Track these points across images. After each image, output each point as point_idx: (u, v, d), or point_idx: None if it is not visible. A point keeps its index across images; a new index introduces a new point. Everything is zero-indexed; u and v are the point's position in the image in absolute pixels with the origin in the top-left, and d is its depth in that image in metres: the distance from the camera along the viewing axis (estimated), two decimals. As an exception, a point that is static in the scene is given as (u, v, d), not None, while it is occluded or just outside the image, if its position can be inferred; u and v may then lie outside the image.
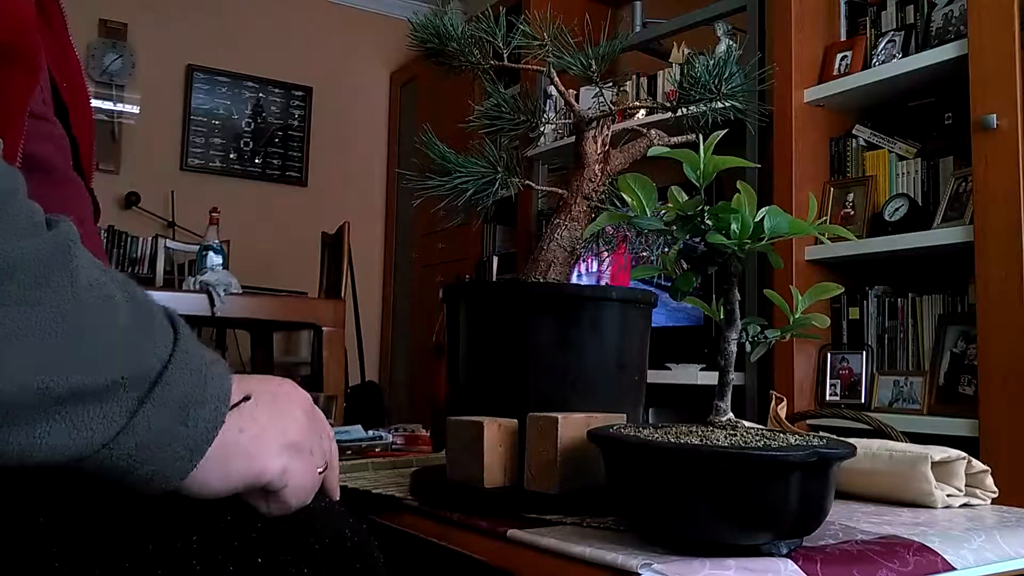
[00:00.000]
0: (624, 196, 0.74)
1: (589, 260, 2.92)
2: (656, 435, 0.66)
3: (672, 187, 0.73)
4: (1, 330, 0.43)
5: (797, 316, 0.74)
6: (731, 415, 0.72)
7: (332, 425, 1.53)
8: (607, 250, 1.04)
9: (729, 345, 0.72)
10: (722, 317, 0.72)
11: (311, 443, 0.60)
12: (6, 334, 0.43)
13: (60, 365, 0.45)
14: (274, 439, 0.56)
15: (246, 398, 0.56)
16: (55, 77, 0.74)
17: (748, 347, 0.75)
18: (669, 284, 0.74)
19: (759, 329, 0.75)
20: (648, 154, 0.89)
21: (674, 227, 0.71)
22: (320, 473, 0.61)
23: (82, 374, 0.46)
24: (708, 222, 0.69)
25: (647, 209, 0.73)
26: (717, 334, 0.73)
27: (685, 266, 0.74)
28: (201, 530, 0.56)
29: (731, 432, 0.68)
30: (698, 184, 0.70)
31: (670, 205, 0.72)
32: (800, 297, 0.74)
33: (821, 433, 0.77)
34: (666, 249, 0.94)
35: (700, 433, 0.67)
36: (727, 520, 0.61)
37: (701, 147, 0.70)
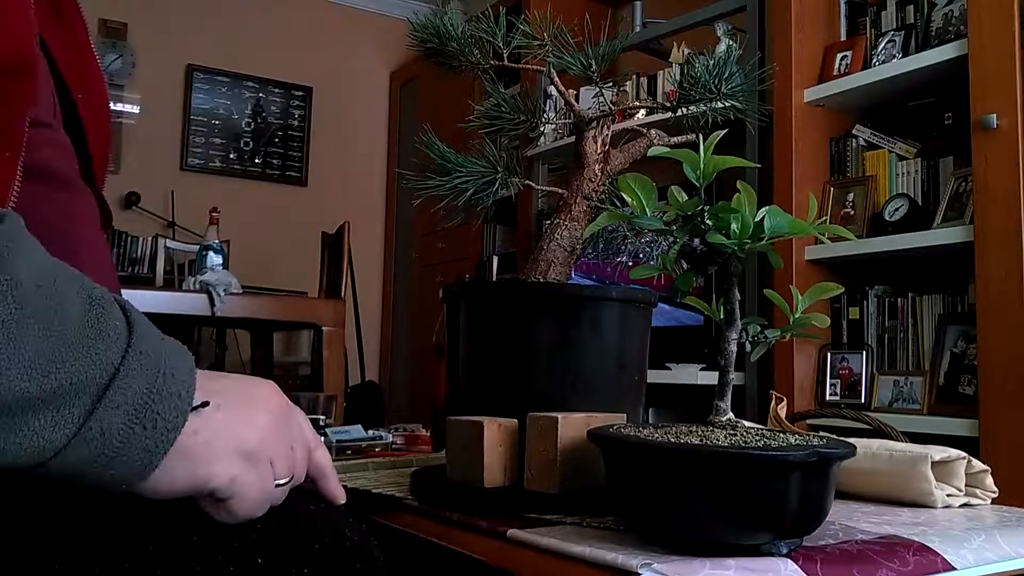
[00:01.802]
0: (624, 196, 0.74)
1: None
2: (656, 435, 0.66)
3: (672, 187, 0.73)
4: None
5: (797, 316, 0.74)
6: (731, 415, 0.72)
7: (331, 425, 1.53)
8: (608, 251, 1.04)
9: (729, 345, 0.72)
10: (722, 317, 0.72)
11: (272, 452, 0.57)
12: None
13: (6, 371, 0.44)
14: (227, 445, 0.54)
15: (205, 403, 0.53)
16: (68, 82, 0.74)
17: (748, 347, 0.75)
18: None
19: (759, 329, 0.75)
20: (648, 154, 0.89)
21: (674, 227, 0.71)
22: (281, 486, 0.58)
23: (26, 381, 0.45)
24: (708, 222, 0.69)
25: (647, 209, 0.73)
26: (717, 334, 0.73)
27: (685, 266, 0.74)
28: (201, 530, 0.56)
29: (731, 432, 0.68)
30: (698, 184, 0.70)
31: (670, 205, 0.72)
32: (800, 297, 0.74)
33: (821, 433, 0.77)
34: (666, 249, 0.94)
35: (700, 433, 0.67)
36: (727, 520, 0.61)
37: (701, 147, 0.70)
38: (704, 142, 0.70)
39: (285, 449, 0.58)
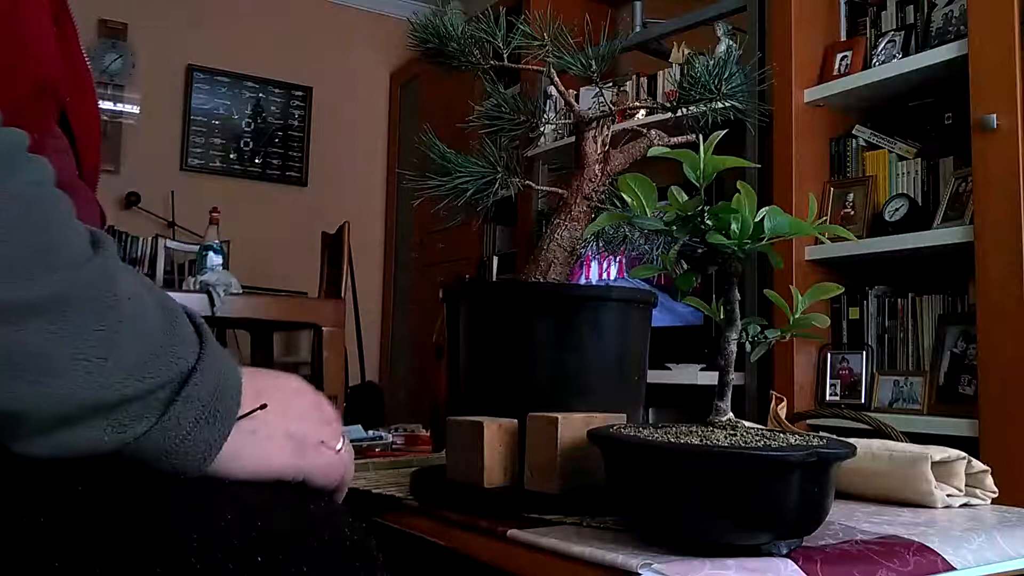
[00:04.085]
0: (624, 196, 0.74)
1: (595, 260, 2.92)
2: (656, 435, 0.66)
3: (672, 187, 0.73)
4: (66, 351, 0.50)
5: (797, 316, 0.74)
6: (731, 415, 0.72)
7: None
8: (607, 250, 1.04)
9: (729, 345, 0.72)
10: (722, 317, 0.72)
11: (318, 432, 0.66)
12: (71, 355, 0.50)
13: (111, 378, 0.51)
14: (279, 435, 0.62)
15: (263, 406, 0.61)
16: (61, 87, 0.74)
17: (748, 347, 0.75)
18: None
19: (759, 329, 0.75)
20: (648, 154, 0.89)
21: (674, 227, 0.71)
22: (339, 451, 0.67)
23: (128, 387, 0.52)
24: (708, 222, 0.69)
25: (647, 209, 0.73)
26: (717, 334, 0.73)
27: (685, 266, 0.74)
28: (200, 529, 0.56)
29: (731, 432, 0.68)
30: (698, 184, 0.70)
31: (670, 205, 0.72)
32: (800, 297, 0.74)
33: (821, 433, 0.77)
34: (666, 249, 0.94)
35: (700, 433, 0.67)
36: (727, 520, 0.61)
37: (701, 147, 0.70)
38: (704, 142, 0.70)
39: (328, 427, 0.68)
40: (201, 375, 0.56)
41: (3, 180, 0.50)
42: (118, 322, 0.52)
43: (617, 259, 2.83)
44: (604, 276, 2.96)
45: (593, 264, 2.95)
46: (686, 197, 0.71)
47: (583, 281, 2.97)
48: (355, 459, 1.25)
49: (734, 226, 0.68)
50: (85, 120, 0.79)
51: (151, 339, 0.54)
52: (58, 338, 0.50)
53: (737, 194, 0.69)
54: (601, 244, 1.04)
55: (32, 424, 0.51)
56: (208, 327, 0.60)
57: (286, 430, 0.64)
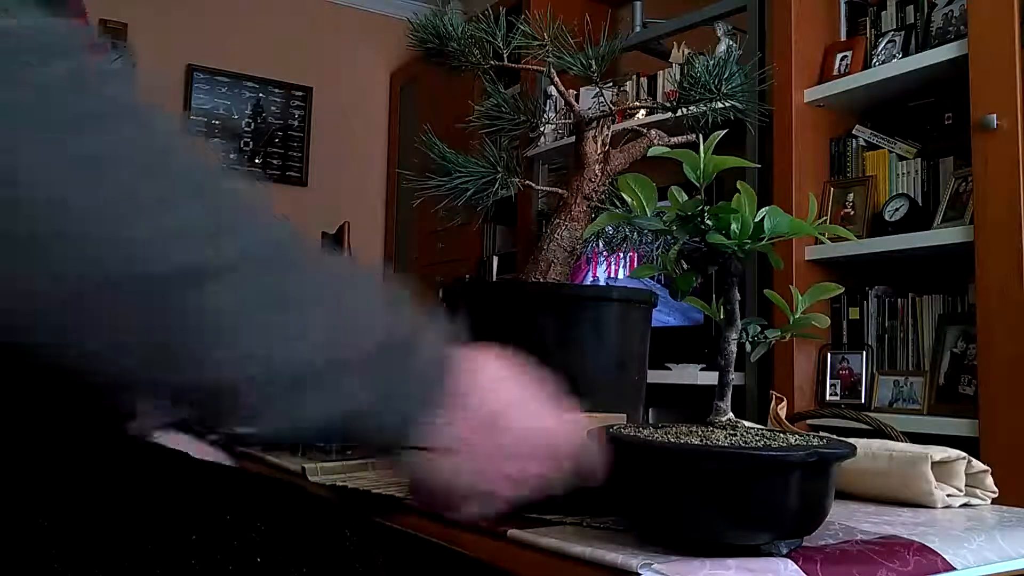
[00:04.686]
0: (624, 196, 0.74)
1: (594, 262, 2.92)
2: (656, 435, 0.66)
3: (672, 187, 0.73)
4: (260, 314, 0.48)
5: (797, 316, 0.74)
6: (731, 415, 0.72)
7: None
8: (607, 250, 1.04)
9: (729, 345, 0.72)
10: (722, 317, 0.72)
11: (531, 473, 0.64)
12: (265, 320, 0.48)
13: (339, 339, 0.50)
14: (489, 475, 0.62)
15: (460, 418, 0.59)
16: None
17: (748, 347, 0.75)
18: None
19: (759, 329, 0.74)
20: (648, 154, 0.89)
21: (674, 227, 0.71)
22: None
23: (326, 354, 0.50)
24: (708, 222, 0.69)
25: (647, 209, 0.73)
26: (717, 334, 0.73)
27: (685, 266, 0.74)
28: (200, 530, 0.56)
29: (731, 432, 0.68)
30: (698, 184, 0.70)
31: (670, 205, 0.72)
32: (800, 297, 0.74)
33: (821, 433, 0.77)
34: (666, 249, 0.94)
35: (700, 433, 0.67)
36: (727, 520, 0.61)
37: (701, 147, 0.70)
38: (704, 142, 0.70)
39: (543, 464, 0.65)
40: (416, 353, 0.54)
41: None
42: (319, 284, 0.51)
43: (627, 258, 2.83)
44: (611, 275, 2.96)
45: (600, 264, 2.95)
46: (686, 197, 0.71)
47: (589, 281, 2.98)
48: (356, 459, 1.25)
49: (734, 226, 0.68)
50: None
51: (376, 307, 0.53)
52: (247, 301, 0.48)
53: (737, 194, 0.68)
54: (601, 244, 1.04)
55: (243, 396, 0.49)
56: (428, 310, 0.59)
57: (492, 468, 0.62)
